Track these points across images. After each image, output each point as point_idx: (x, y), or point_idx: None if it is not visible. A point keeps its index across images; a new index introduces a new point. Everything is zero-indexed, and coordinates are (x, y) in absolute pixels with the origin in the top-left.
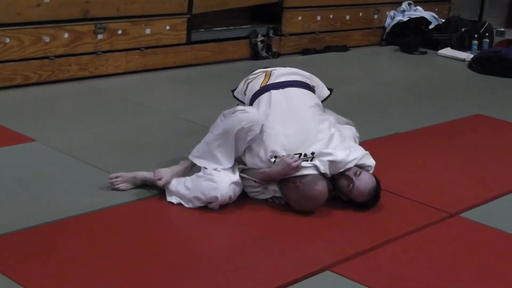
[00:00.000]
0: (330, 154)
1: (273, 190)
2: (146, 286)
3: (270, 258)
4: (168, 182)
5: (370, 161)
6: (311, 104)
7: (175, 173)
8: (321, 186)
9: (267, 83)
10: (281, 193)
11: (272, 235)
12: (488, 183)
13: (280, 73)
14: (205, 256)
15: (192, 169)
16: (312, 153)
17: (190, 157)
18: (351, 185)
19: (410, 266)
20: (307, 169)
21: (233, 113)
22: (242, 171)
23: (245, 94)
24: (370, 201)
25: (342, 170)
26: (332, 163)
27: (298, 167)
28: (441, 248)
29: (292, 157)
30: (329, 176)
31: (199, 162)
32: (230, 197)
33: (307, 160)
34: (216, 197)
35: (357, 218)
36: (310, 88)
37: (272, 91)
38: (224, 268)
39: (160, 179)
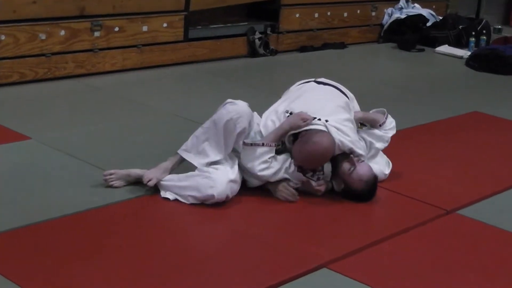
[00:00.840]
0: (343, 127)
1: (280, 161)
2: (142, 284)
3: (266, 255)
4: (159, 180)
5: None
6: (341, 104)
7: (164, 171)
8: (327, 138)
9: (314, 80)
10: (289, 166)
11: (269, 232)
12: (485, 180)
13: (326, 80)
14: (202, 254)
15: (180, 164)
16: (326, 120)
17: (179, 151)
18: (352, 168)
19: (406, 263)
20: (318, 126)
21: (223, 105)
22: (251, 144)
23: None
24: (366, 191)
25: (347, 151)
26: (342, 134)
27: (309, 121)
28: (437, 245)
29: (305, 113)
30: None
31: (187, 156)
32: (227, 196)
33: (319, 123)
34: (213, 196)
35: (353, 216)
36: (346, 96)
37: (312, 82)
38: (220, 266)
39: (150, 180)
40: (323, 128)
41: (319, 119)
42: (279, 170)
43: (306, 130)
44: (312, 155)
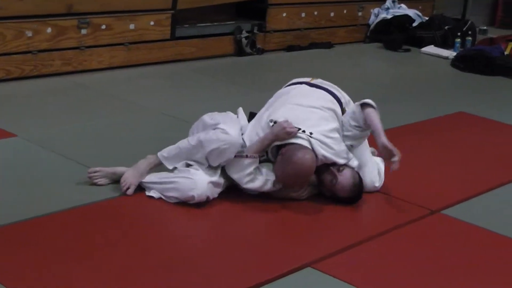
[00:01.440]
0: (327, 140)
1: (266, 173)
2: (126, 282)
3: (251, 254)
4: (137, 186)
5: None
6: (328, 107)
7: (142, 174)
8: (308, 155)
9: (308, 82)
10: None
11: (254, 231)
12: (470, 181)
13: (322, 81)
14: (186, 253)
15: (158, 166)
16: (311, 133)
17: (159, 155)
18: (334, 180)
19: (391, 263)
20: (300, 140)
21: (214, 128)
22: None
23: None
24: (352, 197)
25: (329, 163)
26: (326, 148)
27: (293, 133)
28: (421, 245)
29: (289, 123)
30: (318, 158)
31: (166, 163)
32: (207, 197)
33: (303, 135)
34: (193, 196)
35: (338, 215)
36: (340, 102)
37: (304, 84)
38: (205, 265)
39: (128, 188)
40: (306, 142)
41: (303, 131)
42: (266, 182)
43: (290, 144)
44: (294, 175)
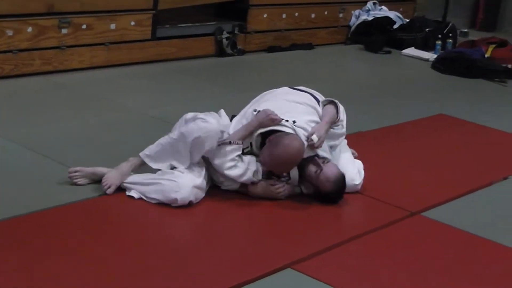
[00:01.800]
0: (310, 129)
1: (247, 162)
2: (107, 282)
3: (231, 254)
4: (118, 186)
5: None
6: (310, 104)
7: (124, 174)
8: (296, 141)
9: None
10: (257, 171)
11: (235, 231)
12: (450, 183)
13: (301, 87)
14: (167, 252)
15: (140, 167)
16: (294, 121)
17: (141, 154)
18: (318, 170)
19: (370, 264)
20: (285, 128)
21: (194, 120)
22: (220, 144)
23: None
24: (336, 191)
25: (312, 154)
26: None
27: (277, 120)
28: (401, 247)
29: (273, 111)
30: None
31: (149, 161)
32: (190, 201)
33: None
34: (176, 200)
35: (319, 217)
36: (319, 103)
37: (286, 88)
38: (185, 265)
39: (109, 187)
40: (291, 130)
41: (287, 120)
42: (246, 171)
43: (275, 132)
44: (283, 159)
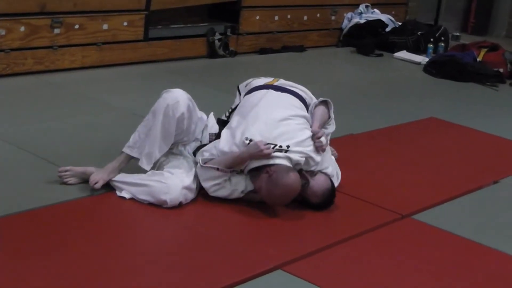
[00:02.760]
0: (305, 149)
1: (235, 183)
2: (93, 282)
3: (222, 256)
4: (106, 181)
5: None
6: (299, 114)
7: (112, 171)
8: (294, 176)
9: (272, 84)
10: (245, 189)
11: (225, 232)
12: (440, 186)
13: (285, 82)
14: (156, 254)
15: (128, 162)
16: (288, 146)
17: (124, 149)
18: (306, 184)
19: (360, 266)
20: (280, 159)
21: (160, 97)
22: (205, 162)
23: (245, 86)
24: (324, 203)
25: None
26: (306, 158)
27: (270, 155)
28: (391, 249)
29: (265, 144)
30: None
31: (130, 151)
32: (180, 202)
33: (281, 151)
34: (165, 201)
35: (309, 219)
36: (305, 103)
37: (271, 90)
38: (174, 266)
39: (97, 183)
40: (285, 161)
41: (280, 146)
42: (233, 192)
43: (270, 166)
44: (282, 197)
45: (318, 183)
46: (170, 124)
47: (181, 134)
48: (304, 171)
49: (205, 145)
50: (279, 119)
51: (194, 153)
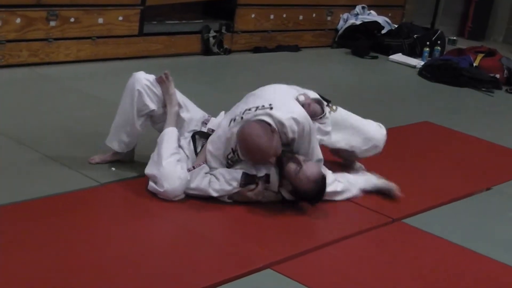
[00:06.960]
0: (291, 110)
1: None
2: (86, 277)
3: (211, 253)
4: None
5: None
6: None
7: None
8: (260, 127)
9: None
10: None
11: (215, 231)
12: (432, 191)
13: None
14: (145, 251)
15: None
16: (270, 104)
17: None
18: (298, 168)
19: (350, 268)
20: (261, 116)
21: None
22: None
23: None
24: (315, 191)
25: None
26: (293, 119)
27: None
28: (380, 252)
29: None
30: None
31: (108, 141)
32: (176, 196)
33: (263, 110)
34: (164, 187)
35: (300, 219)
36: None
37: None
38: (163, 262)
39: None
40: (266, 117)
41: (263, 106)
42: (232, 188)
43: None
44: (254, 149)
45: (310, 169)
46: (132, 97)
47: (146, 110)
48: (296, 156)
49: (203, 132)
50: (271, 91)
51: (193, 138)
